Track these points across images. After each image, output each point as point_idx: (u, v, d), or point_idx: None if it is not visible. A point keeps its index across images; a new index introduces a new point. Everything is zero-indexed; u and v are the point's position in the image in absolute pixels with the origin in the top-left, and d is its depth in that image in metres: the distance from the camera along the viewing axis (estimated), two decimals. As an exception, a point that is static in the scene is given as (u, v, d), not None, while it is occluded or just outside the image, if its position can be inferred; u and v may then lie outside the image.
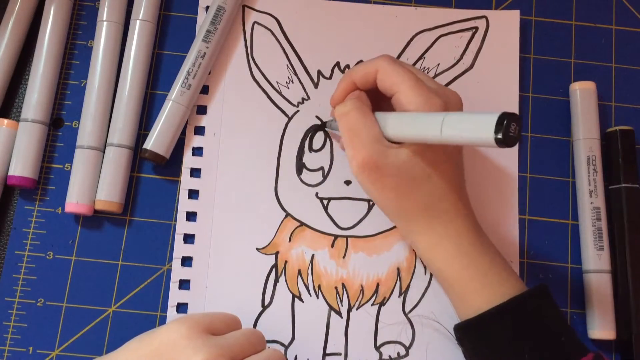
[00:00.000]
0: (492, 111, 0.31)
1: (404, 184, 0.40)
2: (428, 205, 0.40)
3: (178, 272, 0.46)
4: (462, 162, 0.43)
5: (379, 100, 0.43)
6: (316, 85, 0.50)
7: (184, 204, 0.47)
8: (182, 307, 0.46)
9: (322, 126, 0.49)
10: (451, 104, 0.40)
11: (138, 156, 0.48)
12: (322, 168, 0.48)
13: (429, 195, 0.40)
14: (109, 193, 0.46)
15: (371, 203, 0.47)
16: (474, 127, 0.32)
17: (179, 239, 0.46)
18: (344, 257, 0.47)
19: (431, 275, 0.46)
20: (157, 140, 0.46)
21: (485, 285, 0.40)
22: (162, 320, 0.45)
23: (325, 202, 0.48)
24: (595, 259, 0.46)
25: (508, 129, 0.30)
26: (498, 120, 0.30)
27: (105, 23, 0.48)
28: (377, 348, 0.45)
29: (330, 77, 0.50)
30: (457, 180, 0.42)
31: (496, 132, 0.30)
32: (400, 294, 0.46)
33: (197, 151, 0.48)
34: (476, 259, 0.41)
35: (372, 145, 0.39)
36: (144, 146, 0.46)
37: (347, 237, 0.47)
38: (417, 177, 0.39)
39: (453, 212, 0.41)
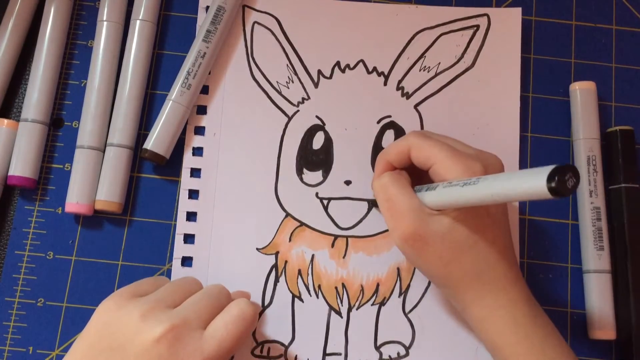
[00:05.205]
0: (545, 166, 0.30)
1: (448, 251, 0.38)
2: (477, 273, 0.38)
3: (178, 272, 0.46)
4: (509, 226, 0.41)
5: (416, 177, 0.42)
6: (316, 85, 0.50)
7: (184, 204, 0.47)
8: (182, 307, 0.46)
9: (322, 126, 0.49)
10: (491, 167, 0.39)
11: (138, 156, 0.48)
12: (322, 168, 0.48)
13: (477, 262, 0.38)
14: (109, 193, 0.46)
15: (371, 203, 0.47)
16: (524, 182, 0.31)
17: (179, 239, 0.46)
18: (344, 257, 0.47)
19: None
20: (157, 140, 0.46)
21: None
22: (162, 320, 0.45)
23: (325, 202, 0.48)
24: (595, 259, 0.46)
25: (563, 180, 0.29)
26: (550, 174, 0.29)
27: (105, 23, 0.48)
28: (377, 348, 0.45)
29: (331, 77, 0.50)
30: (506, 246, 0.40)
31: (549, 181, 0.29)
32: (400, 294, 0.46)
33: (197, 151, 0.48)
34: (532, 332, 0.38)
35: (413, 214, 0.38)
36: (144, 146, 0.46)
37: (347, 237, 0.47)
38: (462, 244, 0.38)
39: (505, 281, 0.39)
